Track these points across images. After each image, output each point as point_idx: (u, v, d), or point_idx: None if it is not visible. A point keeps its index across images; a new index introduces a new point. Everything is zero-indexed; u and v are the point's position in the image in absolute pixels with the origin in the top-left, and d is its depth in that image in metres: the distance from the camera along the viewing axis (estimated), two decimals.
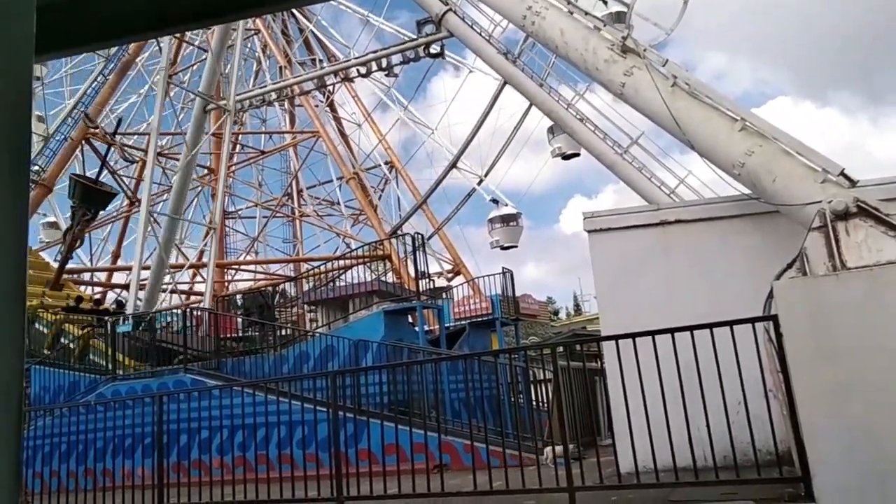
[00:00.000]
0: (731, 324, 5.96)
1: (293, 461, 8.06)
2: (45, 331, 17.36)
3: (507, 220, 29.70)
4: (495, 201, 29.93)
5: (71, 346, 16.36)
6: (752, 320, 5.98)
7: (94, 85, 34.00)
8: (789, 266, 6.33)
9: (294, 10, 34.91)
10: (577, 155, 24.80)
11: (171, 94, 41.71)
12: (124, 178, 38.54)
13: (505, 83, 23.59)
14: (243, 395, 8.90)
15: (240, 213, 43.08)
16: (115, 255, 39.51)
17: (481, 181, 29.24)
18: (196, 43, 39.20)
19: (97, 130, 27.41)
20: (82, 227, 21.08)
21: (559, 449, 8.41)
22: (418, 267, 14.64)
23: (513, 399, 11.00)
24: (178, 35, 34.23)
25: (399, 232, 29.24)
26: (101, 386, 15.08)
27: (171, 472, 9.08)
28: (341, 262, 19.25)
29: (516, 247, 30.40)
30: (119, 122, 23.37)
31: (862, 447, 5.15)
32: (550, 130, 25.66)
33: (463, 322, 17.83)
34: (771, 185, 7.44)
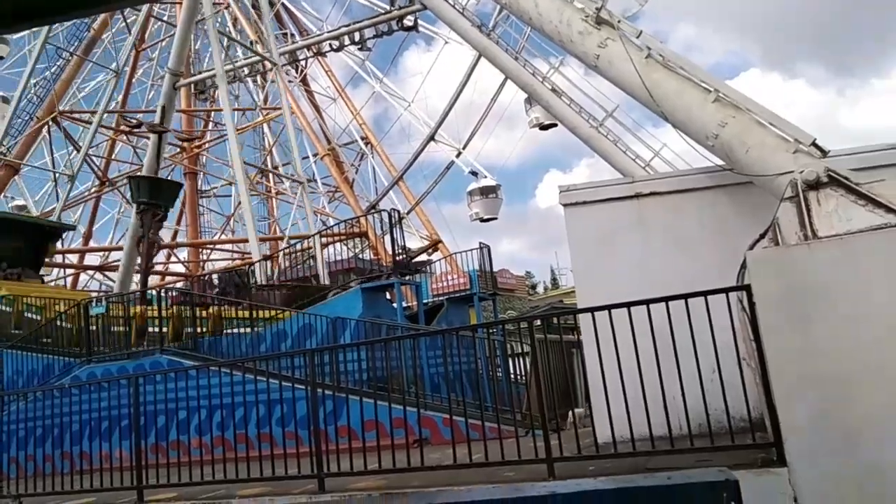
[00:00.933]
0: (705, 294, 6.01)
1: (272, 439, 8.05)
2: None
3: (486, 192, 29.68)
4: (474, 173, 29.85)
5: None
6: (726, 290, 6.04)
7: (59, 63, 33.08)
8: (762, 236, 6.40)
9: None
10: (554, 125, 24.78)
11: (139, 71, 40.95)
12: (94, 158, 37.84)
13: (480, 56, 23.42)
14: (220, 375, 8.83)
15: (214, 191, 42.54)
16: (87, 237, 38.84)
17: (459, 153, 29.13)
18: (164, 18, 38.33)
19: (137, 127, 25.85)
20: (156, 229, 19.75)
21: (579, 412, 8.48)
22: (395, 243, 14.58)
23: (491, 373, 11.07)
24: (142, 8, 33.40)
25: (376, 208, 29.11)
26: (75, 368, 14.90)
27: (150, 453, 9.02)
28: (318, 240, 19.08)
29: (496, 218, 30.42)
30: (163, 110, 21.35)
31: (832, 412, 5.27)
32: (527, 101, 25.58)
33: (441, 298, 17.86)
34: (744, 155, 7.49)
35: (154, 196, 18.62)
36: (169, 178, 40.22)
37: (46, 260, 35.60)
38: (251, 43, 33.81)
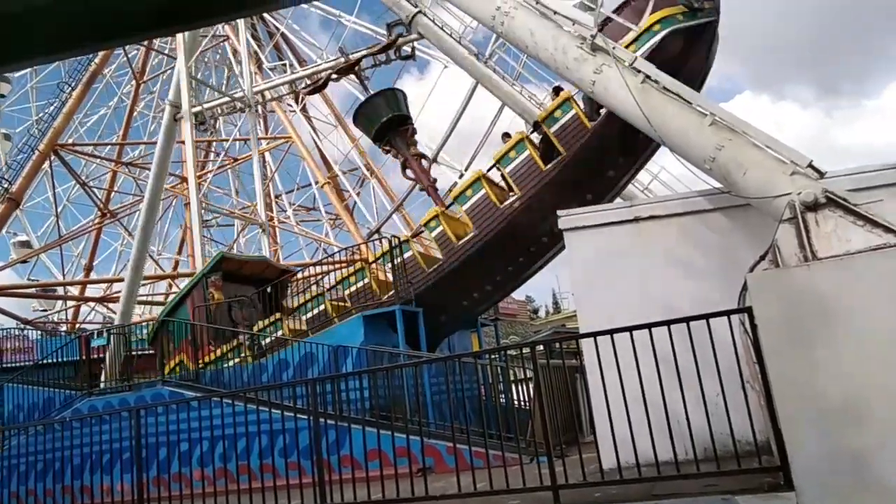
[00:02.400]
0: (706, 317, 6.02)
1: (275, 470, 8.00)
2: None
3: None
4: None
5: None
6: (728, 313, 6.04)
7: (61, 97, 33.42)
8: (762, 258, 6.42)
9: (264, 15, 34.68)
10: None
11: (140, 104, 41.38)
12: (95, 191, 38.07)
13: (477, 84, 23.64)
14: (223, 406, 8.79)
15: (217, 220, 42.65)
16: (88, 269, 38.87)
17: (462, 175, 29.20)
18: (166, 52, 38.80)
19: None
20: (414, 144, 16.43)
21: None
22: (396, 270, 14.58)
23: (494, 400, 11.01)
24: (145, 43, 33.84)
25: (380, 232, 29.16)
26: (77, 402, 14.83)
27: (152, 486, 8.95)
28: (318, 268, 19.09)
29: None
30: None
31: (839, 434, 5.23)
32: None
33: None
34: (742, 178, 7.53)
35: (395, 108, 16.08)
36: (167, 209, 40.46)
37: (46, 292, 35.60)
38: (251, 74, 34.18)
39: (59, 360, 16.32)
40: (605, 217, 8.90)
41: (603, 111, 12.38)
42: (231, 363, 14.44)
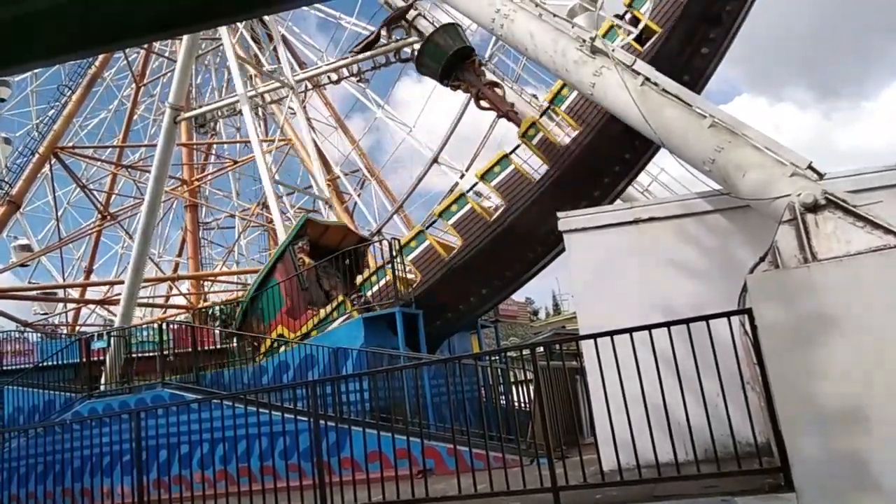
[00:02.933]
0: (706, 318, 6.03)
1: (276, 472, 7.99)
2: None
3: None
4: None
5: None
6: (728, 314, 6.05)
7: (61, 100, 33.42)
8: (762, 259, 6.43)
9: (263, 17, 34.69)
10: None
11: (141, 107, 41.39)
12: (95, 193, 38.07)
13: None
14: (223, 408, 8.79)
15: (218, 223, 42.64)
16: (88, 271, 38.84)
17: (463, 175, 29.17)
18: (166, 54, 38.81)
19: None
20: (481, 73, 15.65)
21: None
22: (396, 272, 14.58)
23: (494, 401, 11.01)
24: (145, 46, 33.86)
25: (381, 233, 29.16)
26: (76, 404, 14.82)
27: (152, 488, 8.95)
28: None
29: None
30: None
31: (839, 435, 5.24)
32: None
33: None
34: (741, 179, 7.54)
35: (459, 41, 15.31)
36: (167, 212, 40.45)
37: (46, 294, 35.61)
38: (250, 77, 34.21)
39: (60, 362, 16.31)
40: (605, 219, 8.91)
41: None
42: (335, 324, 14.17)
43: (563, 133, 13.43)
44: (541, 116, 14.09)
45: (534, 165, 13.87)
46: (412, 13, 17.81)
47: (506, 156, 13.98)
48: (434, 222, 14.79)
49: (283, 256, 15.74)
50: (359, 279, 15.00)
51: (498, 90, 15.87)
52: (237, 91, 24.18)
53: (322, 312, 14.67)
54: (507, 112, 15.72)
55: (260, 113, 36.28)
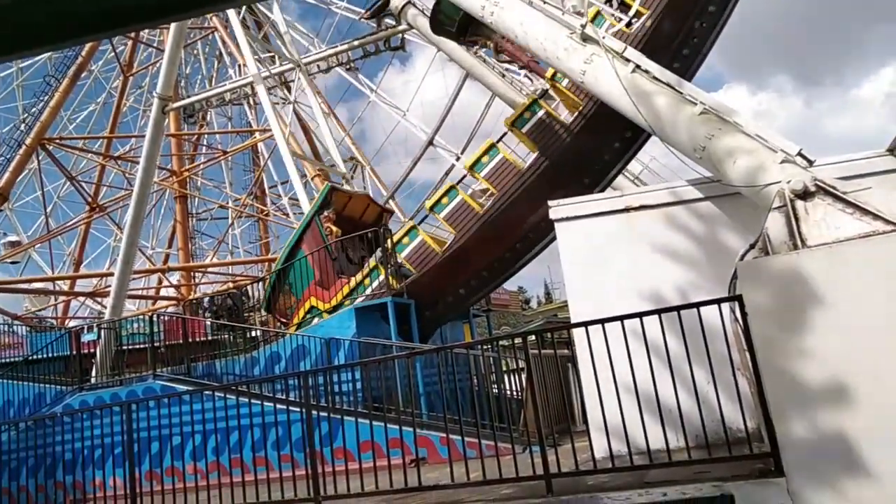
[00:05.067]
0: (697, 305, 6.05)
1: (268, 463, 7.99)
2: None
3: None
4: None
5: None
6: (718, 301, 6.07)
7: (47, 90, 33.07)
8: (752, 246, 6.44)
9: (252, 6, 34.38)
10: None
11: (130, 99, 41.05)
12: (84, 185, 37.78)
13: (467, 76, 23.55)
14: (214, 399, 8.77)
15: (211, 212, 42.41)
16: (78, 264, 38.60)
17: (458, 158, 29.08)
18: (154, 44, 38.45)
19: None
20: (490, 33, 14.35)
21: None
22: (388, 262, 14.55)
23: (487, 390, 11.04)
24: (131, 35, 33.51)
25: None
26: (67, 397, 14.77)
27: (144, 480, 8.93)
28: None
29: None
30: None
31: (829, 421, 5.27)
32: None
33: None
34: (731, 167, 7.55)
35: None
36: (158, 204, 40.22)
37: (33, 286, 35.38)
38: (239, 67, 33.95)
39: (50, 355, 16.23)
40: (596, 207, 8.91)
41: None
42: (369, 290, 14.02)
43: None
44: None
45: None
46: (401, 1, 17.68)
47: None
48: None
49: (309, 226, 15.51)
50: (388, 244, 14.74)
51: (509, 43, 15.60)
52: (250, 72, 23.79)
53: (353, 281, 14.44)
54: (528, 63, 15.57)
55: (252, 102, 36.02)
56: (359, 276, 14.57)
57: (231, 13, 25.57)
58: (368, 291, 14.42)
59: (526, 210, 13.07)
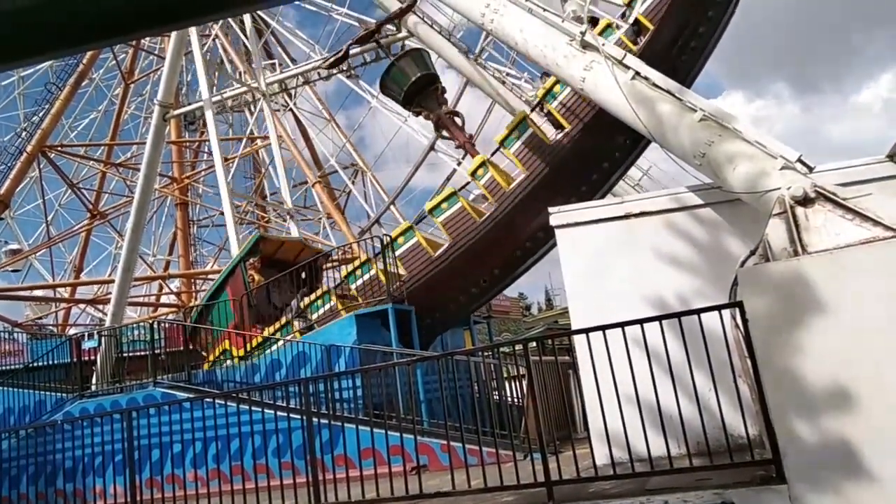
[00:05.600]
0: (698, 312, 6.04)
1: (269, 470, 7.97)
2: None
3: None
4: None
5: None
6: (719, 307, 6.07)
7: (48, 98, 33.16)
8: (752, 252, 6.45)
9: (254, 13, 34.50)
10: None
11: (131, 107, 41.14)
12: (85, 192, 37.84)
13: (467, 83, 23.59)
14: (215, 407, 8.76)
15: (212, 219, 42.42)
16: (78, 271, 38.61)
17: (459, 163, 29.11)
18: (155, 52, 38.56)
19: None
20: (444, 102, 15.82)
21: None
22: (388, 268, 14.55)
23: (488, 397, 11.02)
24: (132, 43, 33.62)
25: (371, 232, 29.11)
26: (68, 404, 14.75)
27: (145, 488, 8.91)
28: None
29: None
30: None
31: (830, 427, 5.27)
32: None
33: None
34: (731, 173, 7.56)
35: (423, 68, 15.57)
36: (157, 210, 40.26)
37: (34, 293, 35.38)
38: (240, 74, 34.03)
39: (50, 362, 16.22)
40: (596, 214, 8.91)
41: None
42: (277, 345, 14.20)
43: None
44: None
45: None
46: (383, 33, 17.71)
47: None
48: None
49: (234, 272, 15.90)
50: (305, 301, 15.09)
51: (458, 118, 16.24)
52: (203, 96, 23.98)
53: (266, 332, 14.78)
54: (464, 143, 16.05)
55: (252, 109, 36.07)
56: (272, 328, 14.87)
57: (192, 31, 25.68)
58: (316, 316, 14.82)
59: (526, 218, 13.14)
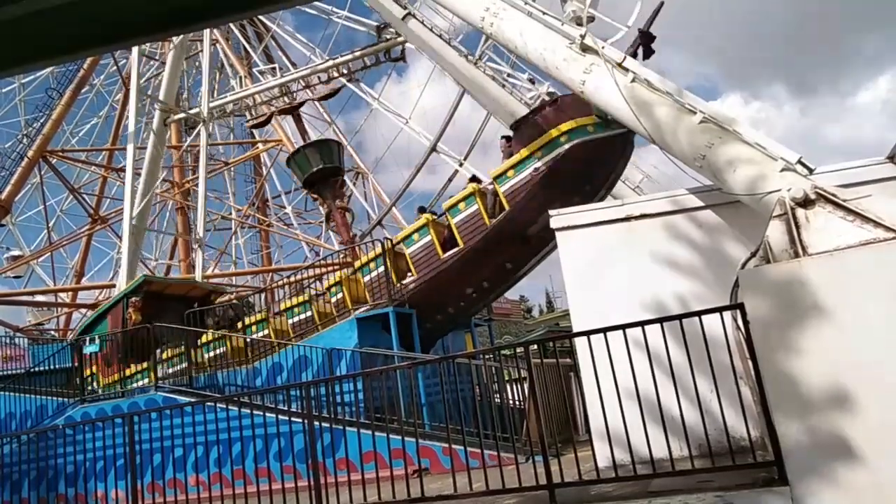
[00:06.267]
0: (699, 314, 6.04)
1: (270, 474, 7.96)
2: None
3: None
4: (478, 179, 29.51)
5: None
6: (720, 309, 6.07)
7: (50, 103, 33.22)
8: (753, 254, 6.45)
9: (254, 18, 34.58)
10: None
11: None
12: (86, 197, 37.88)
13: (464, 92, 23.56)
14: (216, 411, 8.76)
15: (214, 223, 42.44)
16: (79, 275, 38.64)
17: (461, 164, 29.09)
18: (157, 57, 38.59)
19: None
20: (341, 196, 17.24)
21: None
22: (388, 272, 14.56)
23: (489, 400, 11.02)
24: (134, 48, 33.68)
25: (368, 238, 29.09)
26: (69, 409, 14.75)
27: (146, 492, 8.91)
28: (310, 271, 19.06)
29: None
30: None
31: (832, 429, 5.26)
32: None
33: None
34: (732, 175, 7.57)
35: (328, 160, 16.51)
36: (160, 214, 40.30)
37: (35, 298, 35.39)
38: (240, 79, 34.09)
39: (52, 367, 16.23)
40: (597, 216, 8.92)
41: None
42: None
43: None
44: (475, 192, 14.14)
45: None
46: (401, 13, 17.77)
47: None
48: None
49: (116, 305, 16.46)
50: (164, 354, 15.16)
51: (349, 214, 17.52)
52: (129, 123, 24.06)
53: (120, 373, 15.05)
54: (346, 241, 17.03)
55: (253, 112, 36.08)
56: (128, 371, 15.10)
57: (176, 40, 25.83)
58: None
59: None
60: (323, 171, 16.48)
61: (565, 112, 12.50)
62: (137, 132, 36.72)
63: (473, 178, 15.51)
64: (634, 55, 10.67)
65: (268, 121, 21.32)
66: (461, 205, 14.02)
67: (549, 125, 12.65)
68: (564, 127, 12.36)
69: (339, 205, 16.84)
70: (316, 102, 27.32)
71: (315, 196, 17.17)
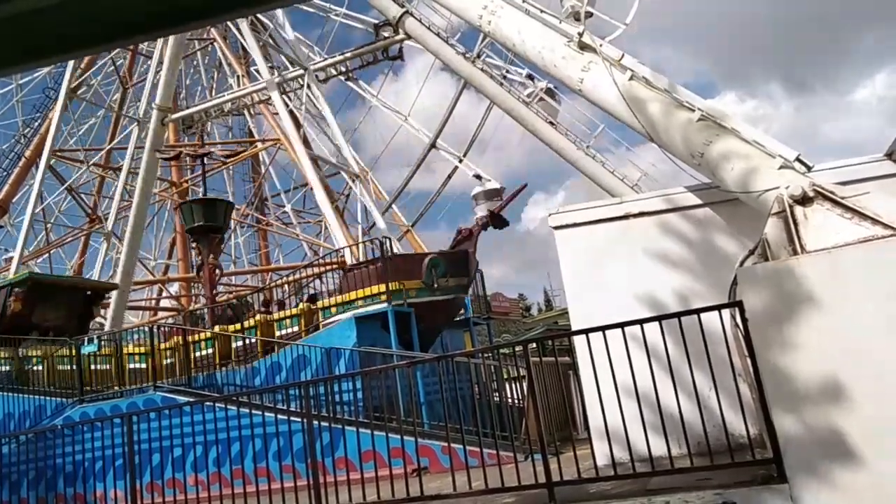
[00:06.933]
0: (698, 311, 6.05)
1: (270, 474, 7.96)
2: None
3: (491, 195, 28.89)
4: (478, 177, 29.40)
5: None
6: (719, 307, 6.07)
7: (47, 103, 33.16)
8: (751, 252, 6.45)
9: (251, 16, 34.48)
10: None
11: (131, 111, 41.06)
12: (83, 197, 37.79)
13: (465, 85, 23.58)
14: (215, 410, 8.75)
15: None
16: (77, 274, 38.54)
17: (461, 160, 29.04)
18: (154, 57, 38.50)
19: None
20: (216, 254, 19.52)
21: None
22: (387, 269, 14.55)
23: (488, 398, 11.02)
24: (130, 47, 33.62)
25: (366, 236, 29.06)
26: (68, 409, 14.73)
27: (146, 492, 8.90)
28: (308, 270, 19.04)
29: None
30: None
31: (831, 426, 5.26)
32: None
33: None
34: (730, 173, 7.57)
35: (210, 219, 17.94)
36: (158, 213, 40.26)
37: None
38: (238, 77, 34.03)
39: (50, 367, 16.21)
40: (595, 214, 8.91)
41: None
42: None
43: None
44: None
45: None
46: (396, 12, 17.76)
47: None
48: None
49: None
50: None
51: (218, 271, 19.34)
52: (263, 77, 24.25)
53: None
54: (208, 297, 18.41)
55: (252, 112, 36.09)
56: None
57: (242, 20, 25.89)
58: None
59: None
60: (202, 227, 18.17)
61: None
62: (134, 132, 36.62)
63: (477, 177, 15.78)
64: (486, 227, 11.43)
65: (177, 157, 23.36)
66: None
67: None
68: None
69: (211, 261, 18.32)
70: (313, 98, 27.26)
71: (194, 245, 19.12)
